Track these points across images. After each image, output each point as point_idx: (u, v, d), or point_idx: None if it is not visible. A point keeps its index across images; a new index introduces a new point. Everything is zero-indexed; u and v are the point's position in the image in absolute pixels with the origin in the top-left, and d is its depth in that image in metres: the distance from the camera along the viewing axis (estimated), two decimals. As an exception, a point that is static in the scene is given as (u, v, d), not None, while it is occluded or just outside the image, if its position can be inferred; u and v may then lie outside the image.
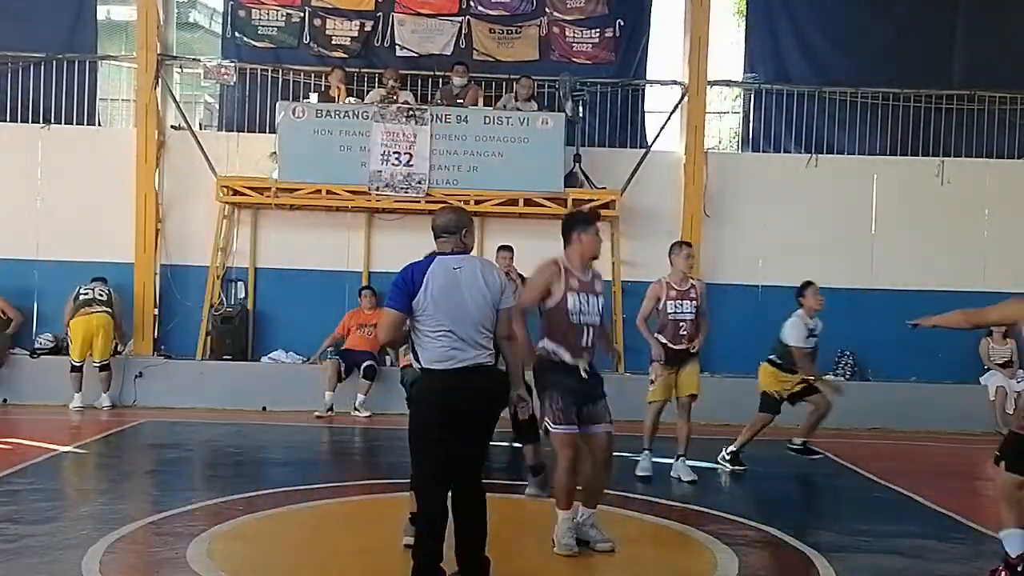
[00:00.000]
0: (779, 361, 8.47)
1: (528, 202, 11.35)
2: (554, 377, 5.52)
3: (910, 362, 11.93)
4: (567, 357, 5.51)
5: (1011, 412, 11.26)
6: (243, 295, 12.22)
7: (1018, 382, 11.41)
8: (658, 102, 13.05)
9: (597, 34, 12.66)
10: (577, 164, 11.79)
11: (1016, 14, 12.53)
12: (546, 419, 5.52)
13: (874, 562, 5.81)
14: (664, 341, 7.75)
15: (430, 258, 4.81)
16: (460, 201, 11.45)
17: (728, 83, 13.29)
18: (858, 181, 12.48)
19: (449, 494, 4.67)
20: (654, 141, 12.48)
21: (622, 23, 12.63)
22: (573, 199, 11.42)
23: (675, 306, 7.76)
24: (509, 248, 9.91)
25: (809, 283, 8.42)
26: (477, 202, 11.44)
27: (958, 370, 11.80)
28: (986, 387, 11.50)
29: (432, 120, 11.46)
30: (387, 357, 11.62)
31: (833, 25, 12.74)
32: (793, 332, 8.28)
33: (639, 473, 7.85)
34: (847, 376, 12.01)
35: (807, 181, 12.44)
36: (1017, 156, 12.48)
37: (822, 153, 12.56)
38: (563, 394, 5.47)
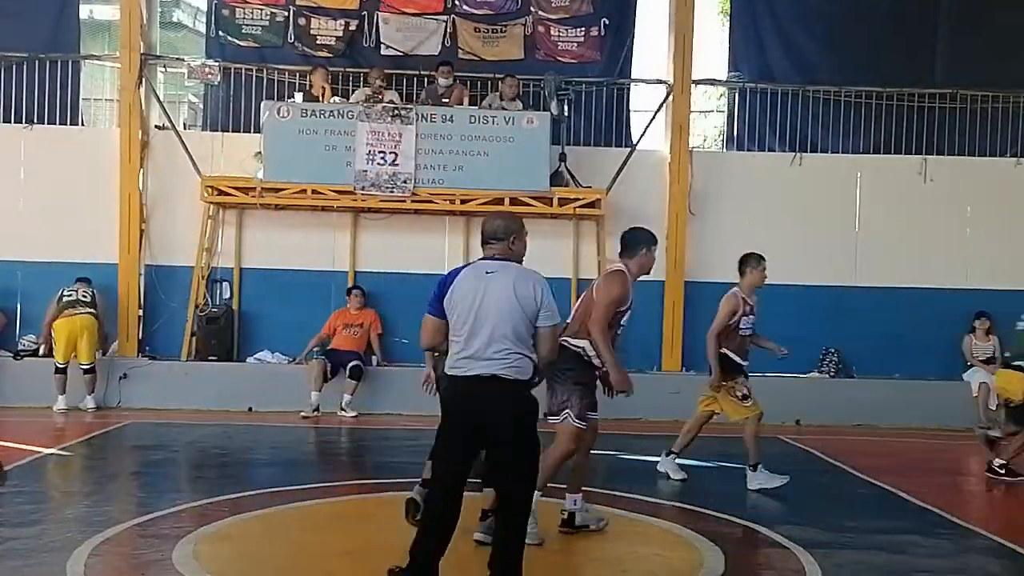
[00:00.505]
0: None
1: (514, 201, 11.34)
2: (587, 375, 5.87)
3: (894, 359, 12.02)
4: (597, 360, 5.84)
5: (994, 408, 11.35)
6: (228, 295, 12.18)
7: (998, 378, 11.49)
8: (643, 101, 13.10)
9: (582, 33, 12.68)
10: (563, 163, 11.80)
11: (997, 14, 12.61)
12: (570, 411, 5.77)
13: (858, 558, 5.84)
14: (733, 357, 7.55)
15: (471, 263, 4.82)
16: (445, 200, 11.50)
17: (713, 82, 13.33)
18: (842, 179, 12.54)
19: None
20: (639, 140, 12.51)
21: (607, 22, 12.65)
22: (559, 198, 11.44)
23: (747, 322, 7.57)
24: None
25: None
26: (463, 201, 11.46)
27: (941, 367, 11.88)
28: (969, 383, 11.58)
29: (417, 119, 11.45)
30: (373, 357, 11.62)
31: (816, 24, 12.80)
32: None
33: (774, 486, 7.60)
34: (832, 373, 12.08)
35: (791, 180, 12.50)
36: (999, 154, 12.56)
37: (806, 152, 12.61)
38: (590, 393, 5.88)
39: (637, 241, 6.16)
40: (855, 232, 12.49)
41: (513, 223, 4.83)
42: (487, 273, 4.64)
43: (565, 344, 5.73)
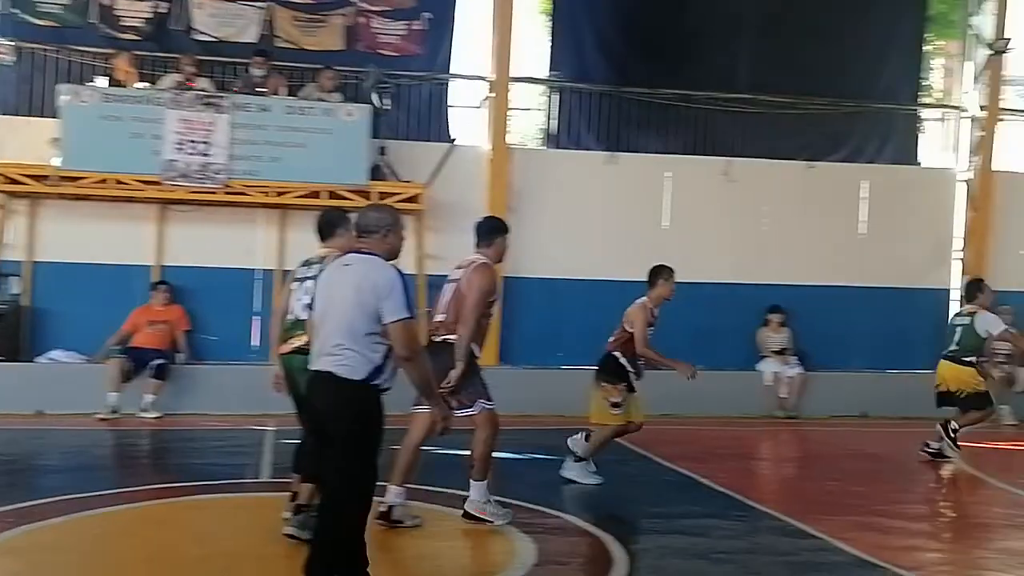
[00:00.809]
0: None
1: (332, 195, 11.14)
2: (476, 366, 6.19)
3: (695, 350, 12.55)
4: (478, 351, 6.22)
5: (785, 396, 12.13)
6: (17, 291, 11.35)
7: (791, 368, 12.26)
8: (464, 97, 13.16)
9: (404, 26, 12.60)
10: (382, 157, 11.71)
11: (795, 25, 13.35)
12: (481, 400, 6.12)
13: (662, 542, 6.11)
14: (624, 363, 7.65)
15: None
16: (260, 193, 11.17)
17: (532, 80, 13.55)
18: (653, 179, 13.02)
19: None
20: (460, 136, 12.58)
21: (429, 16, 12.61)
22: (378, 192, 11.33)
23: (650, 332, 7.70)
24: None
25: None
26: (279, 194, 11.17)
27: (737, 357, 12.51)
28: (761, 373, 12.30)
29: (232, 109, 11.05)
30: (180, 355, 11.15)
31: (631, 28, 13.21)
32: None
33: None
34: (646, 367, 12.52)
35: (607, 178, 12.87)
36: (795, 158, 13.37)
37: (621, 151, 13.02)
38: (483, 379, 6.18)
39: (493, 230, 6.40)
40: (664, 230, 13.01)
41: (387, 216, 4.66)
42: (344, 266, 4.52)
43: (447, 342, 6.04)
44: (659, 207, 13.02)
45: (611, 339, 7.81)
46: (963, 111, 14.07)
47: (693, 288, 12.61)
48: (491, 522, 6.16)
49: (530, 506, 6.79)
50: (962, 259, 13.65)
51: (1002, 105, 14.01)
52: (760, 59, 13.32)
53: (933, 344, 13.48)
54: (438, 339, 6.19)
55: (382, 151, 11.71)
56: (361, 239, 4.59)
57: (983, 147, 13.52)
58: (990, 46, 13.52)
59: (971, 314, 9.25)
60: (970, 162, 13.69)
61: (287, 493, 5.66)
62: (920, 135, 14.36)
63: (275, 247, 11.74)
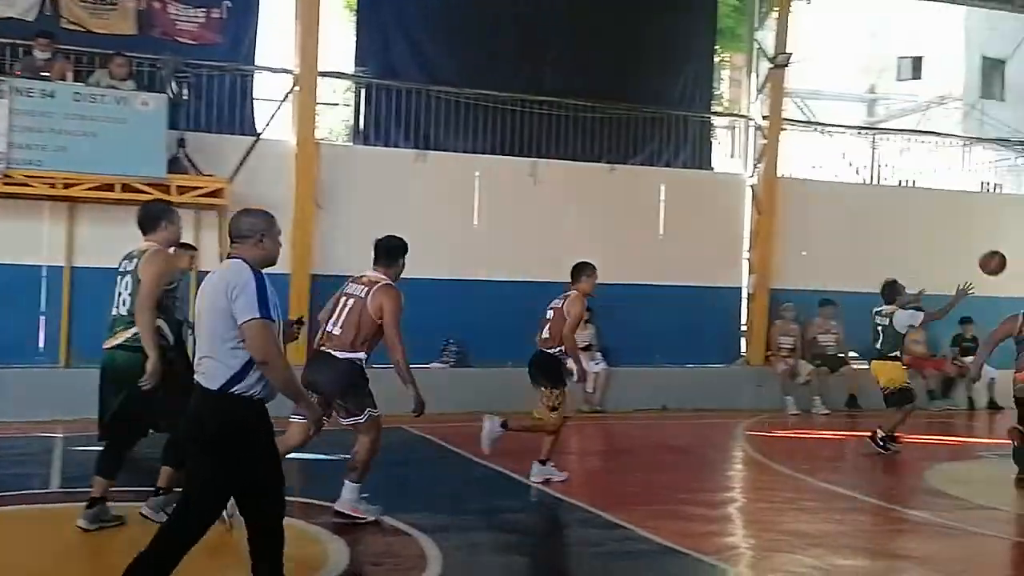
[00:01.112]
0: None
1: (127, 187, 10.51)
2: (365, 375, 6.30)
3: (508, 348, 12.76)
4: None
5: (591, 391, 12.51)
6: None
7: (596, 364, 12.66)
8: (269, 90, 12.78)
9: (203, 14, 12.07)
10: (182, 149, 11.17)
11: (596, 33, 13.77)
12: (369, 408, 6.23)
13: (475, 538, 6.16)
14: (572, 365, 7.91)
15: None
16: (45, 184, 10.40)
17: (339, 75, 13.34)
18: (462, 178, 13.10)
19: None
20: (264, 129, 12.19)
21: (230, 5, 12.14)
22: (177, 186, 10.80)
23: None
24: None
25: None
26: (66, 186, 10.43)
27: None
28: (569, 369, 12.60)
29: (11, 93, 10.21)
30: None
31: (440, 27, 13.24)
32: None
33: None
34: (451, 363, 12.60)
35: (416, 176, 12.83)
36: (597, 160, 13.81)
37: (430, 149, 13.02)
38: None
39: (581, 272, 7.41)
40: (473, 228, 13.13)
41: (260, 222, 4.39)
42: (213, 274, 4.30)
43: (331, 355, 6.17)
44: (469, 206, 13.12)
45: (544, 337, 7.98)
46: (750, 120, 14.99)
47: (504, 286, 12.87)
48: (364, 519, 6.29)
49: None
50: (748, 260, 14.54)
51: (784, 115, 15.04)
52: (565, 63, 13.67)
53: (728, 340, 14.50)
54: (325, 350, 6.28)
55: (181, 143, 11.18)
56: (235, 245, 4.36)
57: (767, 154, 14.44)
58: (772, 60, 14.45)
59: (890, 314, 10.02)
60: (756, 168, 14.60)
61: (80, 504, 5.27)
62: (713, 142, 15.21)
63: (62, 243, 10.98)
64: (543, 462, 7.91)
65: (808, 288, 14.25)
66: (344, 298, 6.36)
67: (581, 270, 8.13)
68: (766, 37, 14.92)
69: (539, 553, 5.95)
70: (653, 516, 6.74)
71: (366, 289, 6.28)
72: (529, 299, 13.21)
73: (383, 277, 6.38)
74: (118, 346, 5.77)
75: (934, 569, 5.94)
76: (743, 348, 14.50)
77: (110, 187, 10.47)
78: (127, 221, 10.55)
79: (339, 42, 14.11)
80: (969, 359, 14.25)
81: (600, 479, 9.01)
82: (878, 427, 9.93)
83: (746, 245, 14.60)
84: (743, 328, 14.58)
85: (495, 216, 13.18)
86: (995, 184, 18.56)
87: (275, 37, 13.00)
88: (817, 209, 14.52)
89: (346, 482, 6.36)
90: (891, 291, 10.19)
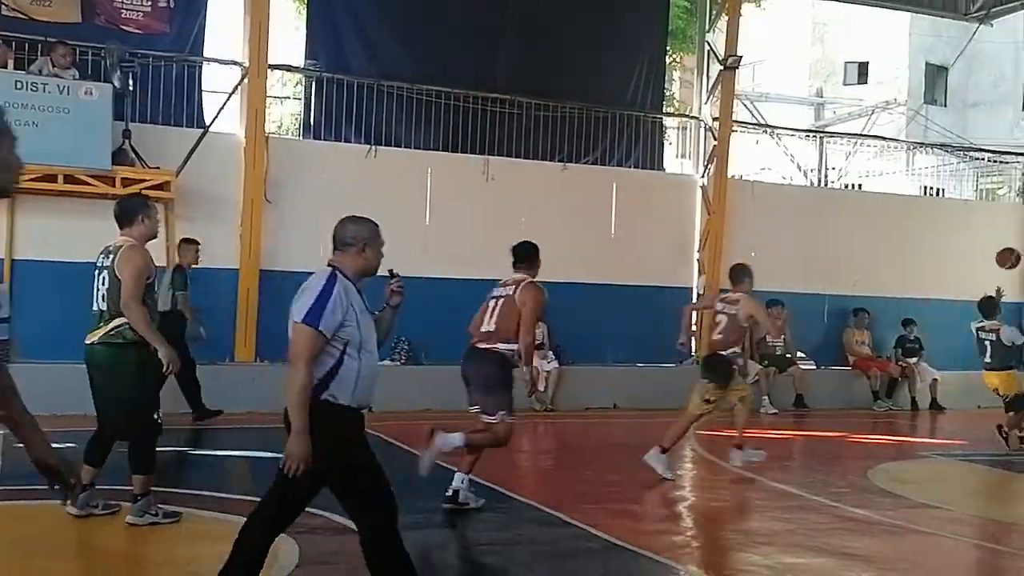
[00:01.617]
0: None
1: (70, 179, 10.29)
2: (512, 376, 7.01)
3: (459, 346, 12.70)
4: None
5: (543, 389, 12.50)
6: None
7: (548, 362, 12.66)
8: (217, 82, 12.57)
9: (149, 3, 11.86)
10: (127, 140, 10.93)
11: (550, 32, 13.78)
12: (502, 413, 6.84)
13: (426, 537, 6.09)
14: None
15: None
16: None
17: (289, 68, 13.20)
18: (414, 174, 13.00)
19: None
20: (212, 122, 12.00)
21: (178, -7, 11.94)
22: (122, 178, 10.58)
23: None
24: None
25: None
26: (6, 176, 10.14)
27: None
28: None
29: (-53, 79, 9.95)
30: None
31: (393, 22, 13.16)
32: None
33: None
34: (402, 361, 12.51)
35: (367, 171, 12.70)
36: (550, 159, 13.81)
37: (381, 145, 12.91)
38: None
39: (534, 253, 7.29)
40: (426, 225, 13.04)
41: (364, 229, 4.58)
42: None
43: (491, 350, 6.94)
44: (421, 203, 13.03)
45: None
46: (701, 121, 15.11)
47: (454, 285, 12.77)
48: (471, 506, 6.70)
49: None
50: (698, 260, 14.64)
51: (734, 117, 15.19)
52: (518, 61, 13.67)
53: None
54: (479, 346, 7.03)
55: (127, 134, 10.94)
56: (337, 252, 4.49)
57: (717, 155, 14.56)
58: (722, 62, 14.58)
59: (994, 329, 10.66)
60: (706, 169, 14.71)
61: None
62: (665, 142, 15.31)
63: (4, 235, 10.69)
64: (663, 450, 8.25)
65: (756, 289, 14.37)
66: (492, 301, 7.06)
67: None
68: (717, 39, 15.05)
69: (489, 552, 5.92)
70: (604, 514, 6.75)
71: (513, 287, 6.96)
72: (481, 297, 13.24)
73: (527, 276, 7.04)
74: (97, 341, 5.80)
75: (880, 567, 6.02)
76: (693, 348, 14.60)
77: (53, 178, 10.20)
78: (71, 213, 10.53)
79: (289, 34, 13.94)
80: (912, 360, 14.59)
81: (551, 477, 9.00)
82: (1005, 423, 10.66)
83: (697, 246, 14.72)
84: (694, 328, 14.68)
85: (447, 214, 13.11)
86: (937, 188, 18.96)
87: (224, 28, 12.80)
88: (765, 211, 14.68)
89: (456, 472, 6.79)
90: (990, 306, 10.75)
